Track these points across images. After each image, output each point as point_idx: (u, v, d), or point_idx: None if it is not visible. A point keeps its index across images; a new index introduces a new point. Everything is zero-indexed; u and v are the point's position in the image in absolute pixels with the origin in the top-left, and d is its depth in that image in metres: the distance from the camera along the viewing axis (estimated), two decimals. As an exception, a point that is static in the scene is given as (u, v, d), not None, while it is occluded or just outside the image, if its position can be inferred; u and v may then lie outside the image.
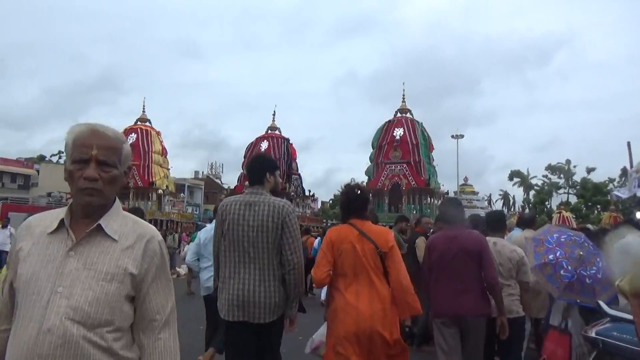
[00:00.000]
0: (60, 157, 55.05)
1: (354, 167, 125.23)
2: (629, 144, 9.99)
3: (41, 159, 53.49)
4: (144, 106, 36.53)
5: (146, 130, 34.73)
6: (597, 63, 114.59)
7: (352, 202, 3.24)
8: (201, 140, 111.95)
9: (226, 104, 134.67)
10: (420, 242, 5.34)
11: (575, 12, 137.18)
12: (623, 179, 49.14)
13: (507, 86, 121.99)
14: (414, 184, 29.58)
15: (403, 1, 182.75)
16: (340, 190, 64.06)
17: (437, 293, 3.51)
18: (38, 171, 45.72)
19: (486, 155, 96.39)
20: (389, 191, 30.03)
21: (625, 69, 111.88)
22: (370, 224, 3.22)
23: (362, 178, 32.44)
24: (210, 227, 4.66)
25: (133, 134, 34.16)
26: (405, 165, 30.24)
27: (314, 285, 3.38)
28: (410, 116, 32.44)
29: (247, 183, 3.27)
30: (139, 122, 35.46)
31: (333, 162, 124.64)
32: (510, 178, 53.90)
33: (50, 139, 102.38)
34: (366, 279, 3.00)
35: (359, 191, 3.34)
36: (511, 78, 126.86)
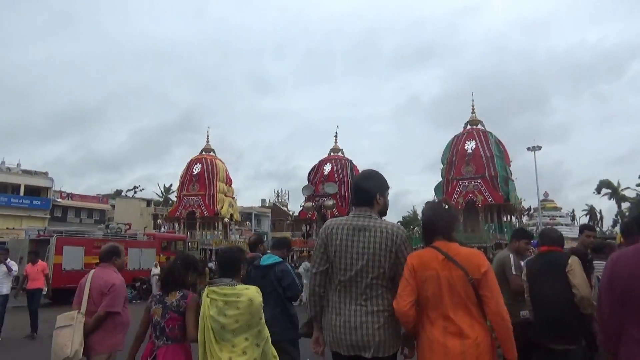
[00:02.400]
0: (135, 192, 57.62)
1: (421, 189, 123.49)
2: None
3: (118, 194, 56.07)
4: (207, 136, 37.09)
5: (210, 160, 35.04)
6: None
7: (438, 220, 2.78)
8: (272, 171, 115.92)
9: (295, 134, 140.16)
10: (576, 264, 3.84)
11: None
12: None
13: (578, 100, 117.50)
14: (491, 201, 27.11)
15: (462, 26, 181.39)
16: (415, 210, 62.29)
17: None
18: (113, 206, 47.93)
19: (563, 171, 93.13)
20: (463, 210, 27.67)
21: None
22: (458, 246, 2.76)
23: (429, 198, 30.40)
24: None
25: (198, 164, 34.61)
26: (479, 181, 27.90)
27: (400, 318, 2.77)
28: (482, 127, 30.12)
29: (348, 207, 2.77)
30: (203, 152, 35.93)
31: (400, 186, 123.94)
32: (599, 190, 48.95)
33: (136, 178, 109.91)
34: (455, 311, 2.57)
35: (447, 207, 2.95)
36: (582, 91, 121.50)
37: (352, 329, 2.67)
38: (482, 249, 15.20)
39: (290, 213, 47.27)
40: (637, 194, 47.56)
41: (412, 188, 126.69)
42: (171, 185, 55.33)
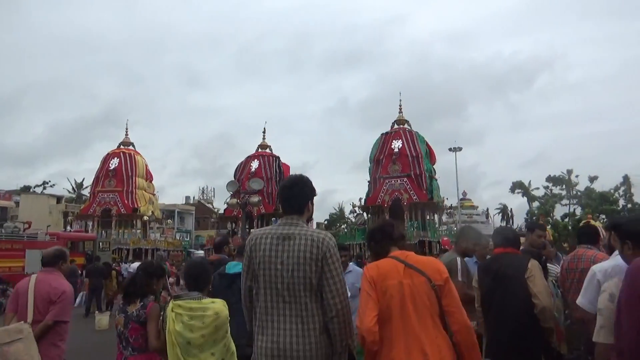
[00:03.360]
0: (44, 188, 52.88)
1: (348, 189, 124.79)
2: None
3: (25, 190, 51.17)
4: (127, 129, 34.88)
5: (129, 154, 32.89)
6: (576, 83, 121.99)
7: (393, 230, 2.76)
8: (199, 169, 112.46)
9: (225, 131, 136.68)
10: (537, 270, 3.37)
11: (555, 35, 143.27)
12: (623, 187, 48.11)
13: (492, 107, 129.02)
14: (415, 199, 27.70)
15: (389, 35, 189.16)
16: (342, 208, 62.92)
17: None
18: (18, 203, 43.57)
19: (478, 172, 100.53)
20: (389, 208, 28.05)
21: (602, 85, 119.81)
22: (414, 253, 2.71)
23: (357, 195, 30.60)
24: None
25: (115, 158, 32.38)
26: (405, 179, 28.45)
27: (363, 340, 2.51)
28: (409, 127, 30.75)
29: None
30: (122, 146, 33.64)
31: (327, 185, 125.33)
32: (512, 190, 52.25)
33: (51, 174, 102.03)
34: (418, 323, 2.43)
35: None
36: (496, 99, 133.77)
37: (281, 350, 2.43)
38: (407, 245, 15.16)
39: (216, 211, 45.72)
40: (545, 193, 51.37)
41: (339, 187, 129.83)
42: (83, 180, 51.49)
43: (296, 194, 2.67)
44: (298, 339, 2.42)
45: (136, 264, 15.87)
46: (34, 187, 52.98)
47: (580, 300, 3.01)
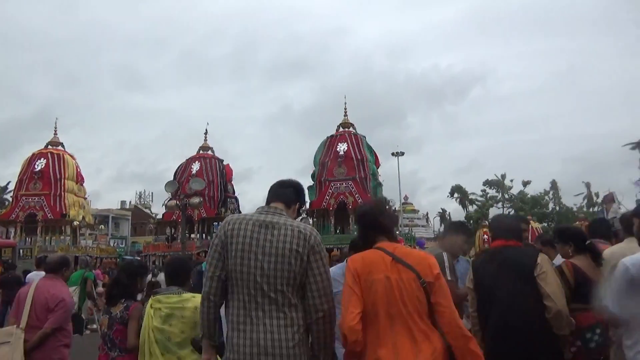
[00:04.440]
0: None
1: None
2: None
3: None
4: (55, 128, 32.31)
5: (58, 155, 30.52)
6: (505, 94, 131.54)
7: (382, 217, 2.47)
8: (138, 173, 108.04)
9: (166, 135, 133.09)
10: (548, 265, 2.84)
11: (487, 49, 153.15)
12: (552, 191, 51.15)
13: (429, 117, 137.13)
14: (361, 202, 27.60)
15: (332, 45, 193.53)
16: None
17: None
18: None
19: (417, 178, 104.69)
20: (334, 211, 27.79)
21: (530, 97, 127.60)
22: (404, 246, 2.56)
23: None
24: None
25: (42, 159, 29.92)
26: (350, 182, 28.31)
27: (345, 339, 2.20)
28: (354, 131, 30.70)
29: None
30: (50, 146, 31.15)
31: None
32: (452, 194, 53.69)
33: None
34: (407, 323, 2.20)
35: (388, 205, 2.79)
36: (433, 110, 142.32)
37: (262, 348, 2.18)
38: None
39: (154, 216, 43.59)
40: (482, 196, 53.34)
41: None
42: (8, 183, 47.45)
43: (288, 190, 2.53)
44: (280, 335, 2.19)
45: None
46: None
47: (608, 302, 2.41)
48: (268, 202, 2.49)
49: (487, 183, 53.71)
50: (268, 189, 2.59)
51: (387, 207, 2.60)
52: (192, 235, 30.70)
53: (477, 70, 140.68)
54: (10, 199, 32.96)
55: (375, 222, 2.46)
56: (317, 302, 2.26)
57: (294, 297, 2.25)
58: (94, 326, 8.57)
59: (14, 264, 14.43)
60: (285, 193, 2.51)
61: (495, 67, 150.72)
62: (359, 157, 28.77)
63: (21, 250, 21.99)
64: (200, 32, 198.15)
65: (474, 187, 56.41)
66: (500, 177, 53.19)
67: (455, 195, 53.36)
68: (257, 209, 2.47)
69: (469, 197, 53.34)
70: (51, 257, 4.28)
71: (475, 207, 52.77)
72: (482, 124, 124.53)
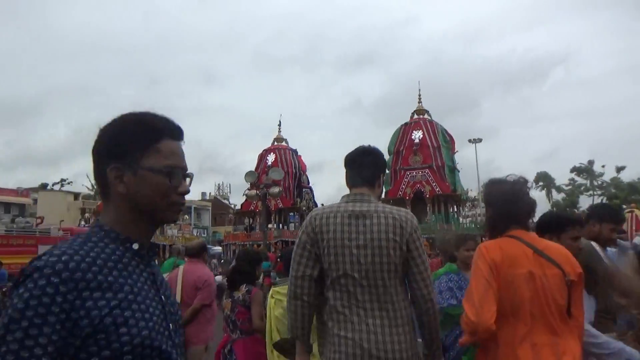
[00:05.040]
0: (62, 185, 52.98)
1: None
2: None
3: (43, 187, 51.33)
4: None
5: (145, 150, 32.41)
6: (591, 76, 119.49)
7: (521, 202, 2.15)
8: (215, 167, 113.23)
9: (241, 130, 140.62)
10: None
11: (568, 30, 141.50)
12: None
13: (505, 103, 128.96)
14: (438, 191, 26.76)
15: (401, 36, 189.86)
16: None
17: None
18: (36, 200, 43.62)
19: (493, 167, 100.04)
20: (411, 200, 27.13)
21: (619, 78, 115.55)
22: (539, 237, 2.17)
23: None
24: None
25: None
26: (427, 171, 27.56)
27: (476, 334, 1.96)
28: (429, 117, 29.72)
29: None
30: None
31: (343, 181, 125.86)
32: (536, 182, 50.20)
33: (74, 174, 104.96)
34: (549, 323, 1.95)
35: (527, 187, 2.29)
36: (509, 95, 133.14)
37: (365, 350, 2.01)
38: (430, 240, 14.41)
39: (232, 206, 45.23)
40: (571, 184, 49.61)
41: None
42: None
43: (368, 163, 2.29)
44: (385, 336, 2.02)
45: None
46: (52, 185, 53.17)
47: None
48: (350, 185, 2.30)
49: (575, 170, 49.97)
50: (346, 163, 2.36)
51: (525, 190, 2.22)
52: (270, 225, 31.40)
53: (558, 52, 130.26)
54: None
55: (513, 207, 2.13)
56: (425, 292, 2.11)
57: (396, 292, 2.09)
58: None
59: None
60: (365, 170, 2.28)
61: (579, 47, 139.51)
62: (435, 144, 27.86)
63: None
64: (270, 29, 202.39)
65: (556, 175, 52.86)
66: (587, 164, 49.25)
67: (540, 183, 49.88)
68: (342, 197, 2.28)
69: (556, 185, 49.78)
70: (191, 244, 4.80)
71: (563, 195, 49.25)
72: (564, 109, 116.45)
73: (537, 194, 52.10)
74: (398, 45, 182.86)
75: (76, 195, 48.03)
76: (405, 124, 29.56)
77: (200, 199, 57.43)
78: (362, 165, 2.29)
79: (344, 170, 2.36)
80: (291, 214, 30.99)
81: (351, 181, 2.28)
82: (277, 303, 3.09)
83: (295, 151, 32.30)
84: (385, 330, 2.02)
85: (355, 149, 2.38)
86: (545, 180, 49.75)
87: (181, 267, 4.46)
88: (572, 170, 50.10)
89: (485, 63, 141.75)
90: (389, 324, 2.04)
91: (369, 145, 2.39)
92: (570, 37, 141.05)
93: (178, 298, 4.13)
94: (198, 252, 4.52)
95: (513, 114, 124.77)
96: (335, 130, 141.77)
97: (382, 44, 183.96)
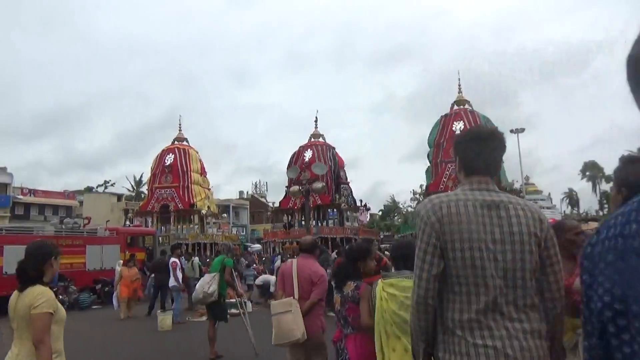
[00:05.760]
0: (106, 187, 54.66)
1: (398, 180, 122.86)
2: None
3: (88, 190, 53.08)
4: (180, 125, 34.79)
5: (184, 150, 32.86)
6: None
7: None
8: (252, 166, 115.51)
9: (276, 128, 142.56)
10: None
11: (611, 15, 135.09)
12: None
13: (544, 92, 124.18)
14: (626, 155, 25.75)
15: (433, 29, 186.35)
16: (393, 199, 61.38)
17: None
18: (81, 202, 45.10)
19: (533, 159, 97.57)
20: (453, 194, 26.29)
21: None
22: None
23: (409, 187, 29.13)
24: None
25: (171, 154, 32.42)
26: (469, 163, 26.54)
27: None
28: (470, 107, 28.75)
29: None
30: (176, 142, 33.68)
31: (378, 177, 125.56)
32: (583, 172, 47.87)
33: (117, 176, 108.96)
34: None
35: None
36: (548, 84, 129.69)
37: (520, 357, 1.75)
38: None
39: (271, 204, 45.38)
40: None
41: (389, 179, 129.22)
42: (142, 176, 52.60)
43: (493, 148, 1.98)
44: (528, 342, 1.77)
45: (196, 259, 15.28)
46: (96, 187, 54.91)
47: None
48: (467, 173, 1.97)
49: (624, 159, 47.37)
50: (463, 146, 2.01)
51: None
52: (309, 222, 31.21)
53: (599, 38, 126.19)
54: (147, 192, 36.20)
55: None
56: (557, 296, 1.91)
57: (534, 295, 1.85)
58: (233, 310, 8.71)
59: (163, 249, 15.47)
60: (492, 158, 1.97)
61: (623, 31, 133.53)
62: (478, 135, 26.90)
63: (160, 238, 23.87)
64: (302, 26, 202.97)
65: (603, 165, 50.33)
66: (638, 152, 46.65)
67: (587, 173, 47.58)
68: (461, 185, 1.99)
69: (605, 175, 47.41)
70: (305, 240, 4.98)
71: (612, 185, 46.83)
72: (608, 96, 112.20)
73: (583, 185, 49.89)
74: (431, 38, 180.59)
75: (119, 197, 49.39)
76: (445, 115, 28.72)
77: (238, 197, 58.01)
78: (485, 150, 1.98)
79: (457, 154, 2.04)
80: (329, 210, 30.68)
81: (471, 167, 1.97)
82: (391, 297, 3.01)
83: (332, 147, 31.94)
84: (527, 337, 1.78)
85: (476, 131, 2.08)
86: (593, 169, 47.29)
87: (294, 261, 4.67)
88: (620, 160, 47.57)
89: (521, 53, 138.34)
90: (530, 328, 1.79)
91: (493, 128, 2.14)
92: (611, 22, 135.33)
93: (295, 292, 4.41)
94: (310, 248, 4.77)
95: (553, 103, 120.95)
96: (369, 126, 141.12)
97: (415, 37, 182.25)
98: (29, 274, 2.79)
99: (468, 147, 2.00)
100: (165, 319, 10.28)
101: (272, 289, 13.92)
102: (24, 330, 2.69)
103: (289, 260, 4.88)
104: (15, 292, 2.82)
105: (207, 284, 7.07)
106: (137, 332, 10.33)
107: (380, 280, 3.15)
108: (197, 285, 7.39)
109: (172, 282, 11.56)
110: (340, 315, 3.67)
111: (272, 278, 14.42)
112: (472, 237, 1.81)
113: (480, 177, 1.94)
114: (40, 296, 2.68)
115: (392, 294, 2.99)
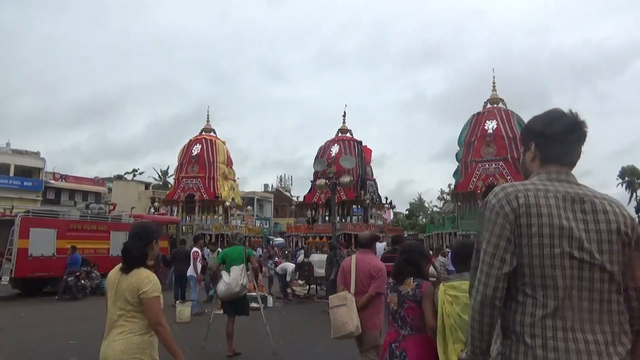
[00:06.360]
0: (134, 175, 55.55)
1: (425, 179, 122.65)
2: None
3: (118, 178, 54.07)
4: (208, 115, 34.92)
5: (211, 141, 32.93)
6: None
7: None
8: (279, 160, 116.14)
9: (304, 123, 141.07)
10: None
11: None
12: None
13: (578, 96, 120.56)
14: (514, 185, 24.91)
15: (467, 29, 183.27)
16: (420, 198, 60.64)
17: None
18: (110, 189, 45.92)
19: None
20: (482, 194, 25.49)
21: None
22: None
23: (436, 186, 28.49)
24: None
25: (198, 144, 32.55)
26: (501, 163, 25.75)
27: None
28: (504, 106, 27.79)
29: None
30: (203, 132, 33.80)
31: (406, 175, 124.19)
32: (622, 176, 45.48)
33: (147, 166, 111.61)
34: None
35: None
36: (583, 88, 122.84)
37: None
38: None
39: (296, 198, 45.20)
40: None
41: (417, 178, 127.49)
42: (168, 168, 53.22)
43: (577, 137, 1.75)
44: (611, 357, 1.54)
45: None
46: (125, 175, 55.89)
47: None
48: (544, 161, 1.75)
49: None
50: (541, 130, 1.77)
51: None
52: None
53: (637, 41, 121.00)
54: (173, 181, 36.50)
55: None
56: None
57: (621, 303, 1.61)
58: (253, 304, 8.43)
59: (183, 239, 15.43)
60: (572, 145, 1.75)
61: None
62: (511, 135, 25.92)
63: (183, 227, 23.95)
64: (334, 23, 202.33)
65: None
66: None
67: (626, 178, 45.17)
68: (537, 174, 1.75)
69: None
70: (364, 234, 4.98)
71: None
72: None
73: (618, 190, 48.06)
74: (464, 38, 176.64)
75: (147, 185, 50.12)
76: (478, 113, 27.82)
77: (262, 190, 58.12)
78: (570, 137, 1.75)
79: (531, 138, 1.81)
80: (354, 206, 30.26)
81: (549, 156, 1.75)
82: (455, 299, 2.89)
83: (359, 142, 31.46)
84: (610, 350, 1.54)
85: (558, 114, 1.78)
86: (632, 175, 44.81)
87: (354, 256, 4.71)
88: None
89: (556, 55, 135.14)
90: (613, 340, 1.55)
91: (575, 113, 1.77)
92: None
93: (352, 286, 4.43)
94: (369, 243, 4.80)
95: (587, 106, 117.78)
96: (397, 125, 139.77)
97: (448, 37, 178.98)
98: (134, 255, 2.85)
99: (547, 132, 1.74)
100: (184, 311, 10.09)
101: (288, 277, 14.00)
102: (128, 309, 2.79)
103: (352, 255, 4.92)
104: (116, 271, 2.88)
105: (240, 276, 6.78)
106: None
107: (442, 283, 3.02)
108: (230, 278, 6.90)
109: (190, 271, 11.40)
110: (398, 316, 3.45)
111: (291, 266, 14.46)
112: (554, 233, 1.56)
113: (559, 167, 1.73)
114: (146, 280, 2.78)
115: (455, 295, 2.87)
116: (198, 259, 11.42)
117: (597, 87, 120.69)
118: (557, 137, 1.73)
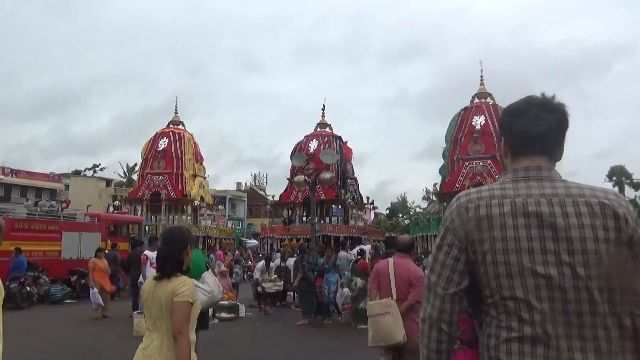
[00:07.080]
0: (95, 171, 52.16)
1: (407, 179, 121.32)
2: None
3: (77, 174, 50.60)
4: (176, 107, 32.42)
5: (179, 134, 30.51)
6: None
7: None
8: (254, 157, 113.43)
9: (281, 119, 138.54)
10: None
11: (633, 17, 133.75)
12: None
13: (561, 96, 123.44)
14: None
15: (448, 26, 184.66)
16: (404, 197, 59.44)
17: None
18: (67, 186, 42.71)
19: None
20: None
21: None
22: None
23: (418, 186, 27.12)
24: None
25: (165, 138, 30.06)
26: (489, 161, 24.53)
27: None
28: (492, 101, 26.58)
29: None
30: (171, 125, 31.35)
31: (387, 174, 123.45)
32: (610, 177, 44.74)
33: (112, 162, 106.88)
34: None
35: None
36: (565, 88, 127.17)
37: None
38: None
39: (271, 197, 43.17)
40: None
41: (398, 177, 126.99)
42: (135, 164, 50.24)
43: (548, 122, 1.50)
44: None
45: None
46: (84, 171, 52.44)
47: None
48: (513, 155, 1.55)
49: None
50: (507, 121, 1.58)
51: None
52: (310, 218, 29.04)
53: (621, 41, 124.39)
54: (137, 178, 33.92)
55: None
56: None
57: (607, 314, 1.36)
58: (223, 314, 6.54)
59: (140, 240, 13.48)
60: (547, 135, 1.50)
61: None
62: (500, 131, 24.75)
63: (147, 227, 21.76)
64: (314, 15, 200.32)
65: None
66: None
67: (614, 178, 44.53)
68: (505, 173, 1.56)
69: (634, 182, 44.23)
70: (403, 238, 4.98)
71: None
72: (628, 102, 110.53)
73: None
74: (447, 35, 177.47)
75: (108, 182, 46.99)
76: (465, 108, 26.51)
77: (235, 189, 55.69)
78: (537, 123, 1.50)
79: (502, 132, 1.61)
80: (334, 206, 28.43)
81: (518, 147, 1.54)
82: None
83: (339, 138, 29.72)
84: (606, 357, 1.37)
85: (525, 101, 1.55)
86: (620, 175, 44.13)
87: (391, 260, 4.65)
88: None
89: (537, 54, 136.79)
90: (609, 349, 1.36)
91: (548, 96, 1.52)
92: (635, 25, 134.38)
93: (394, 293, 4.41)
94: (409, 247, 4.80)
95: (570, 106, 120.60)
96: (378, 122, 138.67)
97: (430, 34, 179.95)
98: (169, 262, 2.76)
99: (514, 122, 1.54)
100: (141, 322, 8.12)
101: (256, 274, 12.73)
102: (165, 319, 2.66)
103: (385, 259, 4.89)
104: (151, 281, 2.78)
105: (216, 281, 5.69)
106: (108, 336, 8.81)
107: None
108: (211, 286, 5.39)
109: (140, 278, 9.75)
110: None
111: (260, 263, 13.41)
112: (507, 248, 1.41)
113: (528, 159, 1.51)
114: (182, 284, 2.68)
115: None
116: (148, 264, 9.47)
117: (578, 88, 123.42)
118: (523, 125, 1.52)
